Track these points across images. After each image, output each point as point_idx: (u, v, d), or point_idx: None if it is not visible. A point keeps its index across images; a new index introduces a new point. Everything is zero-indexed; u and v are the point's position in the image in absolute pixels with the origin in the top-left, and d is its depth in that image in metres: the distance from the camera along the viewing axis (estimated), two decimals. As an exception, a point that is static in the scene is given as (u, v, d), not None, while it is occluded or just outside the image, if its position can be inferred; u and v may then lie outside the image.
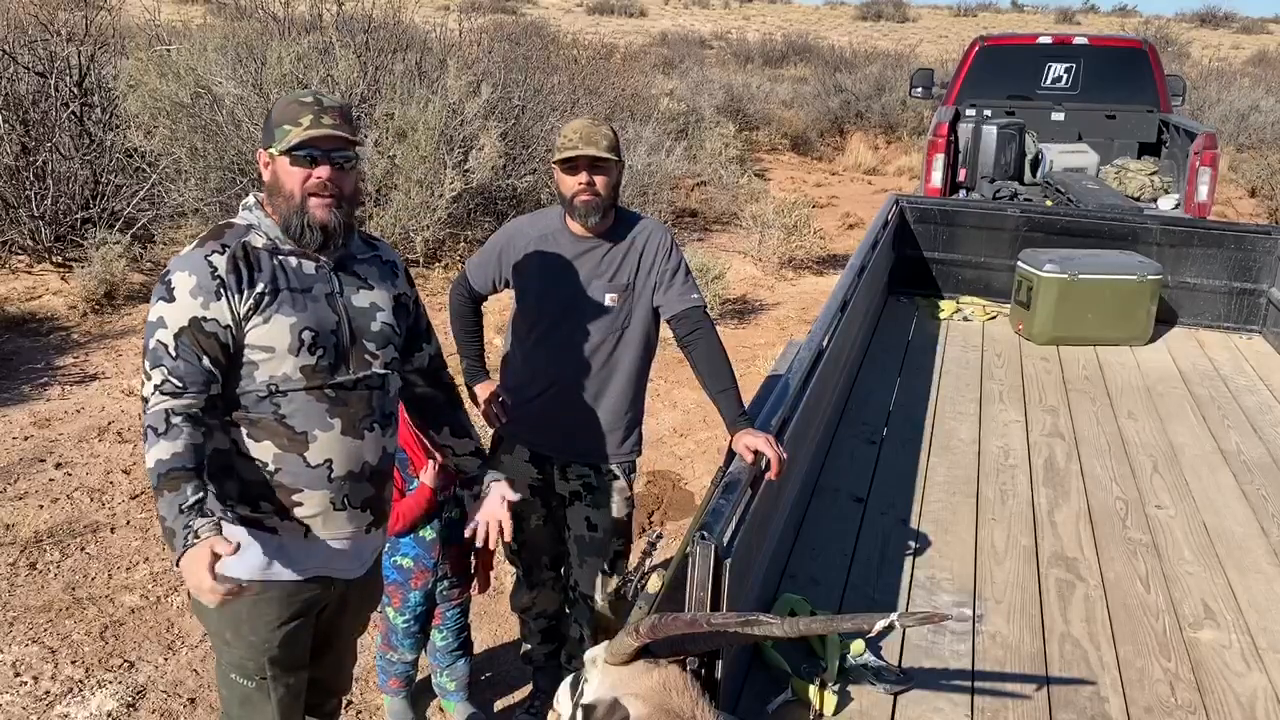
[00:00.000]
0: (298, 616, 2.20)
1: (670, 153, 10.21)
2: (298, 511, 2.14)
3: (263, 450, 2.10)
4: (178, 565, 1.86)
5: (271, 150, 2.09)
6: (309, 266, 2.12)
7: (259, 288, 2.03)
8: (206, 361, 1.99)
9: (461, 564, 3.06)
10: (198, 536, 1.84)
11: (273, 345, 2.05)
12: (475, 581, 3.13)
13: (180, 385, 1.96)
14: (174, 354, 1.97)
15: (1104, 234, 5.71)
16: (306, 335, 2.07)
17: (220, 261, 2.00)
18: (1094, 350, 5.21)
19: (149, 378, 1.97)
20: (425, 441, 2.83)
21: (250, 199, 2.16)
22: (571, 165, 2.67)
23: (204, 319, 1.98)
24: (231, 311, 2.01)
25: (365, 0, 9.19)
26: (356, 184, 2.18)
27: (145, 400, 1.97)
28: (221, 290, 1.99)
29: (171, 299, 1.99)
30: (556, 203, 2.81)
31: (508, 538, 2.41)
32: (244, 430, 2.07)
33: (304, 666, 2.29)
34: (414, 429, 2.82)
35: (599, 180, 2.68)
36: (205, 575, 1.81)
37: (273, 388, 2.07)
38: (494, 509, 2.39)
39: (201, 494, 1.91)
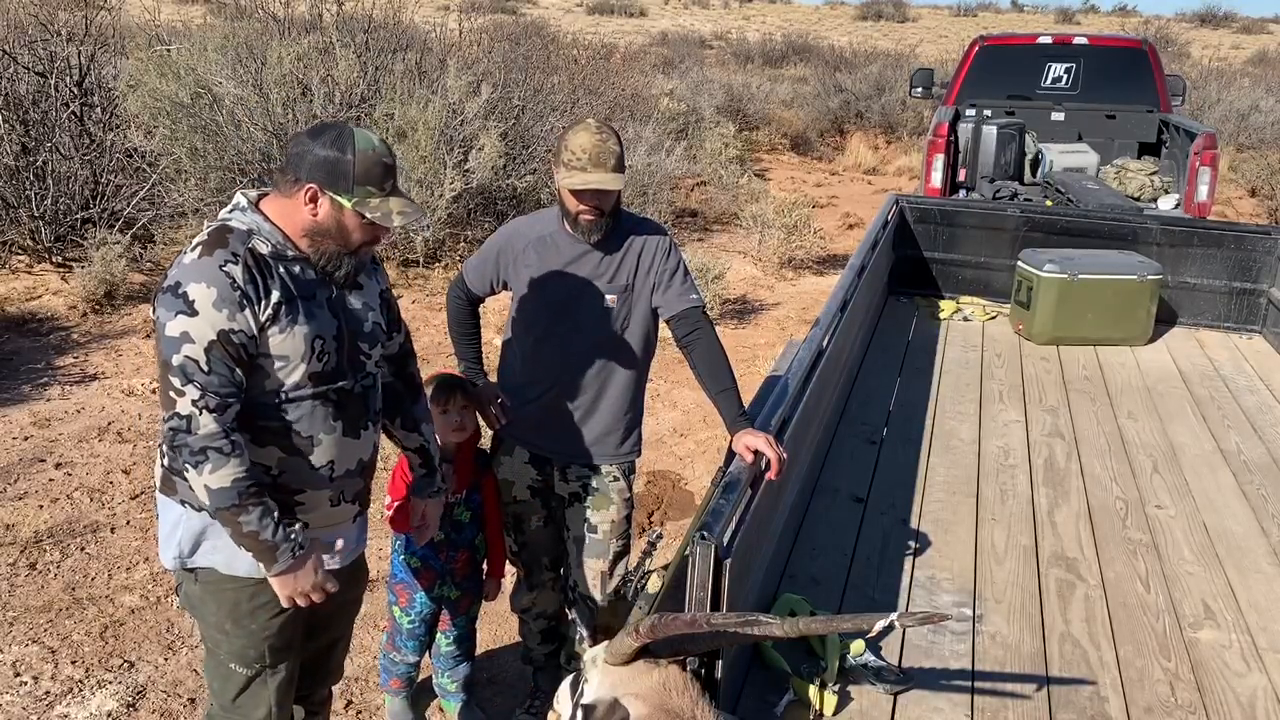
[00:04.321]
0: (292, 605, 2.23)
1: (670, 153, 10.21)
2: (299, 511, 2.19)
3: (266, 455, 2.12)
4: (281, 574, 2.08)
5: (343, 202, 2.06)
6: (309, 273, 2.12)
7: (274, 297, 2.03)
8: (239, 373, 2.01)
9: (469, 569, 3.05)
10: (302, 547, 2.11)
11: (288, 355, 2.06)
12: (486, 588, 3.12)
13: (220, 399, 1.97)
14: (207, 368, 1.96)
15: (1104, 234, 5.71)
16: (318, 344, 2.10)
17: (237, 272, 1.99)
18: (1094, 350, 5.21)
19: (181, 394, 1.96)
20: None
21: (241, 199, 2.11)
22: (579, 190, 2.65)
23: (232, 331, 1.98)
24: (253, 322, 2.01)
25: (365, 0, 9.19)
26: None
27: (182, 417, 1.96)
28: (244, 301, 1.99)
29: (193, 312, 1.95)
30: (556, 203, 2.80)
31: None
32: (248, 436, 2.07)
33: (297, 652, 2.34)
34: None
35: (605, 201, 2.67)
36: (316, 576, 2.14)
37: (282, 395, 2.09)
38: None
39: (276, 506, 2.07)
